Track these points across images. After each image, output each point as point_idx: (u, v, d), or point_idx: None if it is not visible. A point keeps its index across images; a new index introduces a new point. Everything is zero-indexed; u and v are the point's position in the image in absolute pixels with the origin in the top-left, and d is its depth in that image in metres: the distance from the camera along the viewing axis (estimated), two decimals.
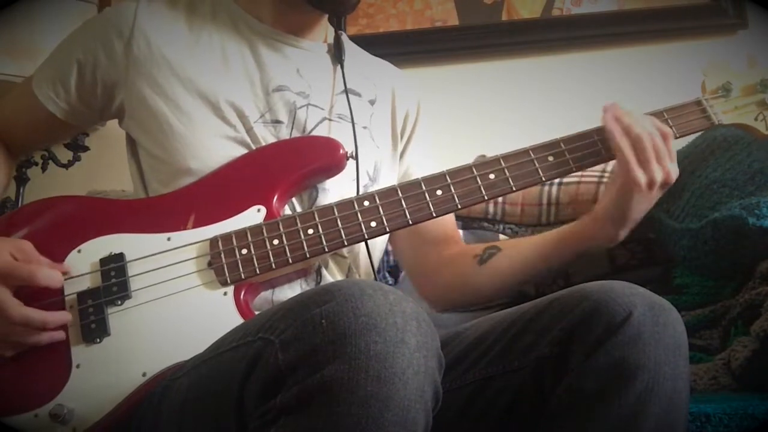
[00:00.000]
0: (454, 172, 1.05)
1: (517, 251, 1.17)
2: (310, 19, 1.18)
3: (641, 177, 1.01)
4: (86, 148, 2.07)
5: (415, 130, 1.27)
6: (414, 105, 1.28)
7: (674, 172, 1.03)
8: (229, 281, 0.99)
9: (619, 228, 1.07)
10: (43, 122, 1.17)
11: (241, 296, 0.98)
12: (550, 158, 1.06)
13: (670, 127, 1.07)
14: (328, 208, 1.02)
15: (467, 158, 1.10)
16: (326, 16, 1.21)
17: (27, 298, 0.97)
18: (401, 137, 1.26)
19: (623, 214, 1.05)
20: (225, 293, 0.99)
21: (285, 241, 1.00)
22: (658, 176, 1.02)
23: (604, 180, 1.80)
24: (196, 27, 1.15)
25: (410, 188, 1.04)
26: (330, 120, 1.16)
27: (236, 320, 0.96)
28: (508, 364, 0.93)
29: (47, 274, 0.97)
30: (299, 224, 1.01)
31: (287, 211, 1.09)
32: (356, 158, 1.11)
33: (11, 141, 1.22)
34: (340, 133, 1.14)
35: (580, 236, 1.11)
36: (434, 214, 1.03)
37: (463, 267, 1.19)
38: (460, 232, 1.81)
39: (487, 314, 1.06)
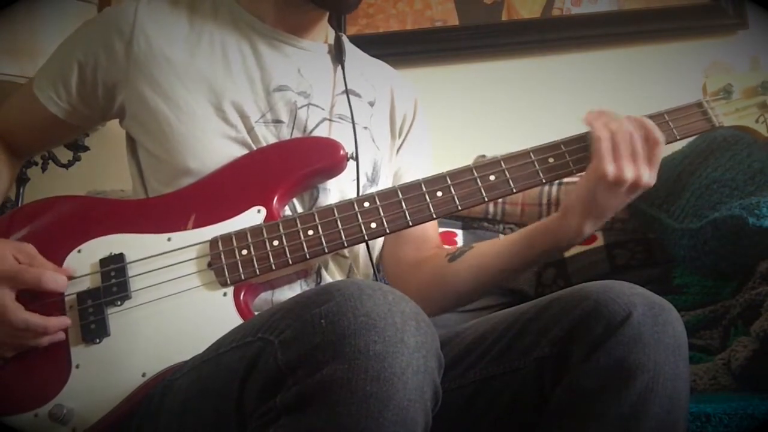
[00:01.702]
0: (455, 174, 1.05)
1: (487, 247, 1.17)
2: (311, 19, 1.18)
3: (610, 169, 1.00)
4: (86, 148, 2.07)
5: (412, 129, 1.27)
6: (411, 105, 1.29)
7: (646, 176, 1.01)
8: (228, 282, 0.99)
9: (583, 221, 1.05)
10: (46, 124, 1.17)
11: (241, 297, 0.98)
12: (551, 160, 1.06)
13: (671, 129, 1.07)
14: (328, 209, 1.02)
15: (467, 158, 1.10)
16: (327, 16, 1.21)
17: (27, 299, 0.97)
18: (399, 136, 1.26)
19: (588, 206, 1.03)
20: (225, 294, 0.99)
21: (285, 242, 1.00)
22: (628, 174, 1.00)
23: None
24: (197, 26, 1.15)
25: (410, 189, 1.04)
26: (330, 120, 1.16)
27: (236, 321, 0.95)
28: (508, 364, 0.93)
29: (53, 278, 0.97)
30: (299, 225, 1.01)
31: (288, 210, 1.09)
32: (356, 159, 1.11)
33: (15, 144, 1.22)
34: (340, 134, 1.14)
35: (545, 230, 1.09)
36: (434, 216, 1.03)
37: (436, 265, 1.19)
38: (460, 232, 1.81)
39: (486, 314, 1.06)
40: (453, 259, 1.17)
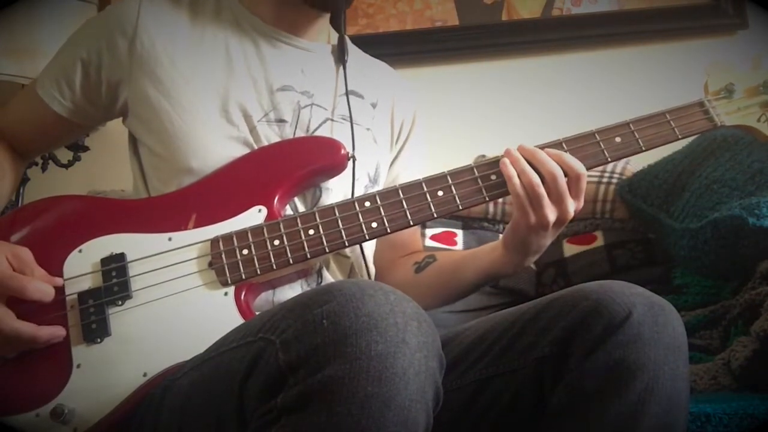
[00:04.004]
0: (456, 173, 1.05)
1: (448, 263, 1.18)
2: (310, 19, 1.18)
3: (533, 220, 1.01)
4: (86, 148, 2.07)
5: (409, 141, 1.28)
6: (410, 115, 1.28)
7: (571, 210, 1.01)
8: (229, 281, 0.99)
9: (523, 258, 1.07)
10: (50, 123, 1.17)
11: (242, 296, 0.98)
12: None
13: (673, 128, 1.07)
14: (329, 209, 1.02)
15: (467, 158, 1.10)
16: (326, 16, 1.21)
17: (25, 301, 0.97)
18: (395, 144, 1.26)
19: (523, 246, 1.05)
20: (226, 293, 0.99)
21: (286, 242, 1.00)
22: (551, 218, 1.00)
23: (604, 180, 1.80)
24: (199, 25, 1.15)
25: (411, 189, 1.04)
26: (332, 120, 1.16)
27: (237, 320, 0.96)
28: (508, 364, 0.93)
29: (37, 287, 0.96)
30: (300, 225, 1.01)
31: (289, 210, 1.09)
32: (353, 159, 1.11)
33: (19, 144, 1.21)
34: (342, 134, 1.14)
35: (490, 259, 1.11)
36: (435, 215, 1.03)
37: (403, 273, 1.21)
38: (460, 232, 1.81)
39: (486, 314, 1.06)
40: (419, 270, 1.19)
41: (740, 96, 1.09)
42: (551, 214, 1.00)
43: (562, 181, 1.00)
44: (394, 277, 1.22)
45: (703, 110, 1.09)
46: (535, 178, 1.00)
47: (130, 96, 1.12)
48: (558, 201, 1.00)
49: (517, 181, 1.01)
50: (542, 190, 1.00)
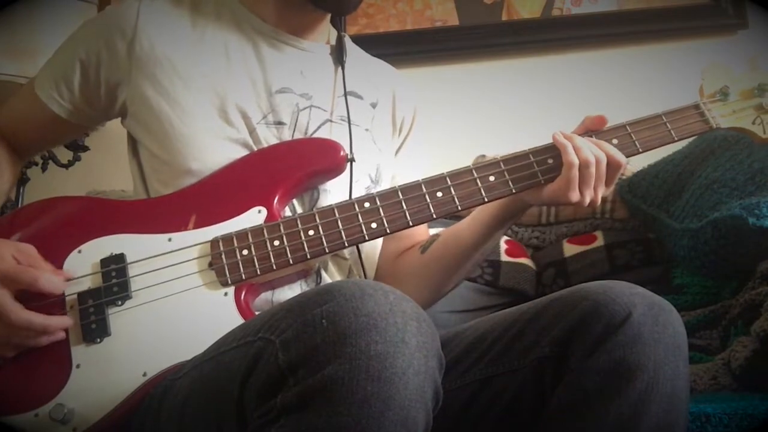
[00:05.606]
0: (455, 174, 1.05)
1: (450, 231, 1.19)
2: (313, 20, 1.18)
3: (574, 196, 1.03)
4: (86, 148, 2.07)
5: (409, 137, 1.28)
6: (411, 112, 1.29)
7: (601, 196, 1.05)
8: (229, 282, 0.99)
9: (523, 207, 1.12)
10: (48, 123, 1.16)
11: (242, 297, 0.99)
12: (550, 161, 1.06)
13: (669, 130, 1.07)
14: (328, 210, 1.02)
15: (467, 158, 1.10)
16: (328, 16, 1.21)
17: (27, 299, 0.97)
18: (399, 134, 1.26)
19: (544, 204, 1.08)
20: (226, 294, 0.99)
21: (286, 242, 1.00)
22: (587, 200, 1.03)
23: None
24: (199, 26, 1.15)
25: (411, 190, 1.04)
26: (332, 122, 1.16)
27: (237, 320, 0.96)
28: (508, 364, 0.93)
29: (49, 279, 0.97)
30: (300, 225, 1.01)
31: (287, 212, 1.09)
32: (350, 160, 1.11)
33: (17, 143, 1.21)
34: (340, 135, 1.14)
35: (497, 215, 1.13)
36: (434, 216, 1.04)
37: (410, 257, 1.21)
38: None
39: (486, 314, 1.06)
40: (424, 250, 1.19)
41: (735, 99, 1.10)
42: (588, 195, 1.03)
43: (605, 166, 1.03)
44: (403, 264, 1.22)
45: (698, 112, 1.10)
46: (591, 157, 1.02)
47: (129, 97, 1.12)
48: (597, 185, 1.03)
49: (572, 150, 1.02)
50: (593, 168, 1.02)
